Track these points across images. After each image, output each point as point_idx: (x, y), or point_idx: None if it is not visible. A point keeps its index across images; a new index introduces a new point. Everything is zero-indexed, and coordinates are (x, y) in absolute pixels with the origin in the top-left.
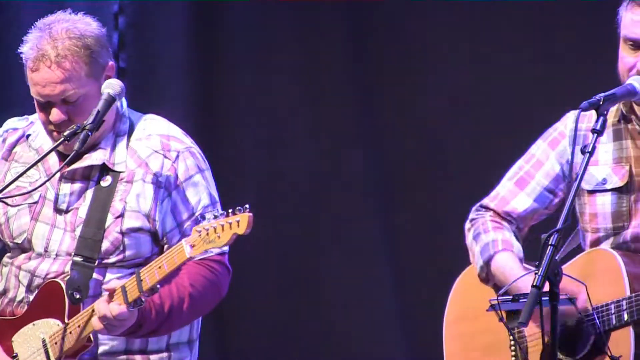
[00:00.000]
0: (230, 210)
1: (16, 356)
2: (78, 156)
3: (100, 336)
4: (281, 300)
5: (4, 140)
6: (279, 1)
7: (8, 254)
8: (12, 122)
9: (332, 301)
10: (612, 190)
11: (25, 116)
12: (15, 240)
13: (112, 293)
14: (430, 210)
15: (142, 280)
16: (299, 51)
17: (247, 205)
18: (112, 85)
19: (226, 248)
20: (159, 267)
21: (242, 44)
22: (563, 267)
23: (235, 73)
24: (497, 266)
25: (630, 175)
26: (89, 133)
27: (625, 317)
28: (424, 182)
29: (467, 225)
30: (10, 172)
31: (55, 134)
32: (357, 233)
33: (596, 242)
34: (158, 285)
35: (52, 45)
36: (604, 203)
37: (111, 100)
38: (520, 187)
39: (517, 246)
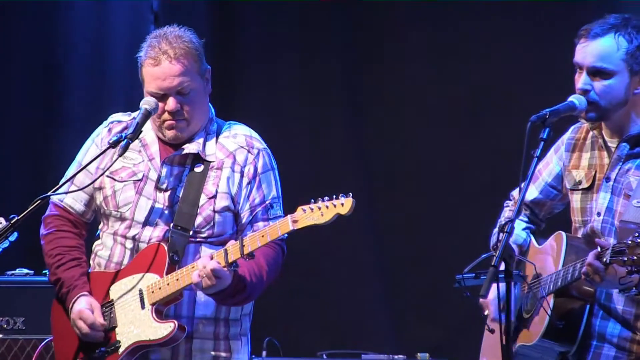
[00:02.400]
0: (334, 196)
1: (111, 302)
2: (175, 146)
3: (197, 302)
4: (281, 290)
5: (109, 130)
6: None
7: (105, 228)
8: (117, 116)
9: (327, 290)
10: (582, 190)
11: (128, 112)
12: (119, 209)
13: (213, 254)
14: (412, 209)
15: (244, 245)
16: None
17: (350, 193)
18: (148, 102)
19: (286, 235)
20: (262, 236)
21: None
22: (541, 246)
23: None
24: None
25: (593, 179)
26: (130, 141)
27: (550, 287)
28: (409, 183)
29: (503, 210)
30: (114, 157)
31: (167, 122)
32: (348, 229)
33: (575, 231)
34: (254, 253)
35: (170, 46)
36: (577, 200)
37: (147, 114)
38: (533, 182)
39: (518, 236)
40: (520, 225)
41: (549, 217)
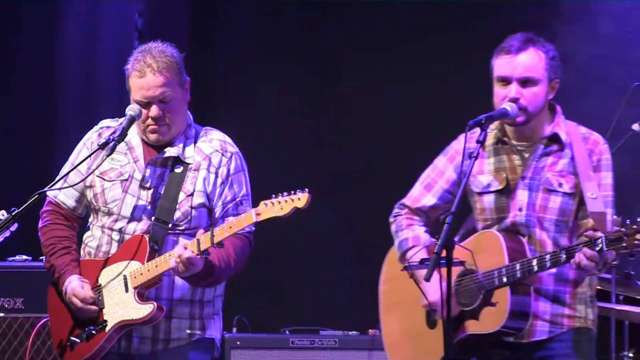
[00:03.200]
0: (292, 191)
1: (99, 286)
2: (159, 149)
3: (175, 286)
4: (250, 274)
5: (99, 135)
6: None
7: (94, 222)
8: (106, 122)
9: (291, 274)
10: (494, 191)
11: (117, 118)
12: (108, 205)
13: (187, 244)
14: (369, 201)
15: (214, 235)
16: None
17: (307, 188)
18: (133, 109)
19: (253, 227)
20: (229, 227)
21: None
22: (463, 243)
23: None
24: (409, 257)
25: (507, 181)
26: (117, 143)
27: (504, 280)
28: (368, 177)
29: (391, 219)
30: (103, 157)
31: (150, 127)
32: (310, 220)
33: (486, 228)
34: (223, 243)
35: (154, 60)
36: (489, 201)
37: (132, 119)
38: (427, 190)
39: (425, 239)
40: (421, 229)
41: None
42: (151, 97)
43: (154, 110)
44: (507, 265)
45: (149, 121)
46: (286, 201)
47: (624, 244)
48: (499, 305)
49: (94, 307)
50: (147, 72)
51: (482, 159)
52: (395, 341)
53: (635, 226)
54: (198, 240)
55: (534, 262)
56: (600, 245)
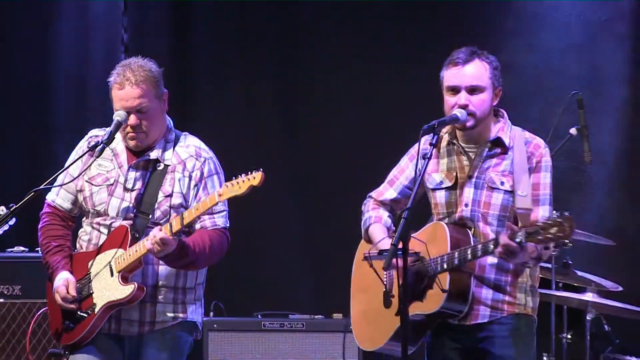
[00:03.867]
0: (249, 172)
1: (89, 274)
2: (139, 153)
3: (160, 274)
4: (227, 264)
5: (89, 143)
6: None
7: (86, 220)
8: (94, 131)
9: (262, 262)
10: (445, 188)
11: (104, 128)
12: (96, 208)
13: (161, 227)
14: (333, 193)
15: (184, 218)
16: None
17: (261, 168)
18: (119, 115)
19: (228, 224)
20: (196, 209)
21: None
22: (417, 233)
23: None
24: (370, 232)
25: (456, 179)
26: (105, 145)
27: (445, 266)
28: (332, 171)
29: (363, 207)
30: (94, 164)
31: (129, 134)
32: (280, 211)
33: (439, 220)
34: (193, 225)
35: (132, 74)
36: (441, 196)
37: (119, 124)
38: (390, 185)
39: (386, 220)
40: (385, 213)
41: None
42: (129, 107)
43: (132, 119)
44: (448, 253)
45: (128, 129)
46: (243, 181)
47: (540, 237)
48: (437, 288)
49: (71, 306)
50: (126, 84)
51: (436, 159)
52: (360, 320)
53: (550, 221)
54: (170, 223)
55: (469, 251)
56: (520, 237)
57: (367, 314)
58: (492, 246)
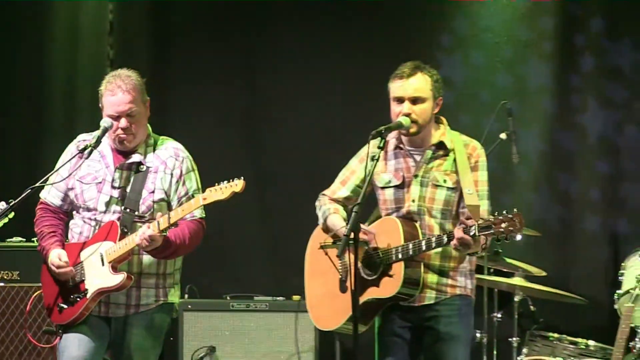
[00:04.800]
0: (231, 179)
1: (81, 262)
2: (125, 155)
3: (143, 263)
4: (200, 252)
5: (78, 146)
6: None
7: (77, 214)
8: (82, 136)
9: (232, 250)
10: (394, 186)
11: (91, 132)
12: (86, 203)
13: (150, 225)
14: (292, 190)
15: (170, 217)
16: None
17: (242, 177)
18: (106, 122)
19: (204, 215)
20: (182, 210)
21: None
22: (370, 226)
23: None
24: (330, 221)
25: (403, 178)
26: (93, 148)
27: (400, 256)
28: (290, 170)
29: (317, 203)
30: (83, 165)
31: (119, 136)
32: (246, 206)
33: (387, 215)
34: (177, 222)
35: (123, 82)
36: (390, 194)
37: (105, 130)
38: (342, 184)
39: (343, 213)
40: (340, 207)
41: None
42: (121, 111)
43: (123, 122)
44: (403, 245)
45: (119, 131)
46: (226, 187)
47: (492, 231)
48: (395, 276)
49: (68, 269)
50: (118, 91)
51: (385, 161)
52: (316, 302)
53: (500, 217)
54: (158, 222)
55: (423, 242)
56: (474, 231)
57: (324, 297)
58: (445, 239)
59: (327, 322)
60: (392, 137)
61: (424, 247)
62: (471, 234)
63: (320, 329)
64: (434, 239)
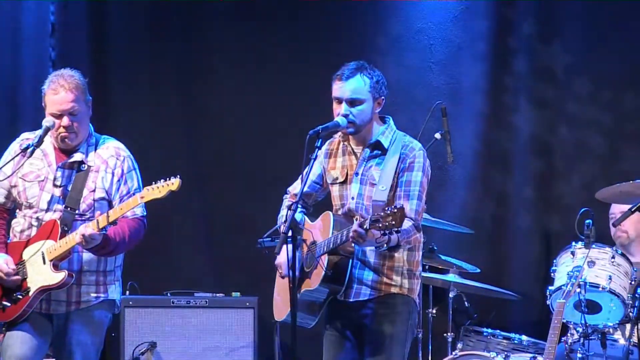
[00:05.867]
0: (168, 178)
1: (23, 261)
2: (67, 154)
3: (84, 261)
4: (141, 248)
5: (21, 145)
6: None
7: (20, 212)
8: (25, 134)
9: (171, 248)
10: (339, 183)
11: (34, 131)
12: (28, 201)
13: (89, 224)
14: (233, 188)
15: (109, 216)
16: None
17: (178, 174)
18: (48, 121)
19: (145, 212)
20: (120, 209)
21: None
22: (314, 222)
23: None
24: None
25: (347, 176)
26: (35, 148)
27: (324, 249)
28: (231, 169)
29: (283, 198)
30: (26, 163)
31: (62, 134)
32: (186, 205)
33: (336, 211)
34: (117, 221)
35: (65, 82)
36: (336, 190)
37: (47, 129)
38: (302, 181)
39: (298, 216)
40: (298, 209)
41: (315, 203)
42: (63, 110)
43: (65, 120)
44: (327, 238)
45: (61, 129)
46: (163, 186)
47: (380, 224)
48: (320, 269)
49: (16, 277)
50: (61, 90)
51: (335, 157)
52: (276, 293)
53: (388, 212)
54: (97, 220)
55: (339, 236)
56: (366, 225)
57: (278, 289)
58: (347, 233)
59: (279, 312)
60: (339, 135)
61: (338, 240)
62: (364, 227)
63: (276, 319)
64: (345, 232)
